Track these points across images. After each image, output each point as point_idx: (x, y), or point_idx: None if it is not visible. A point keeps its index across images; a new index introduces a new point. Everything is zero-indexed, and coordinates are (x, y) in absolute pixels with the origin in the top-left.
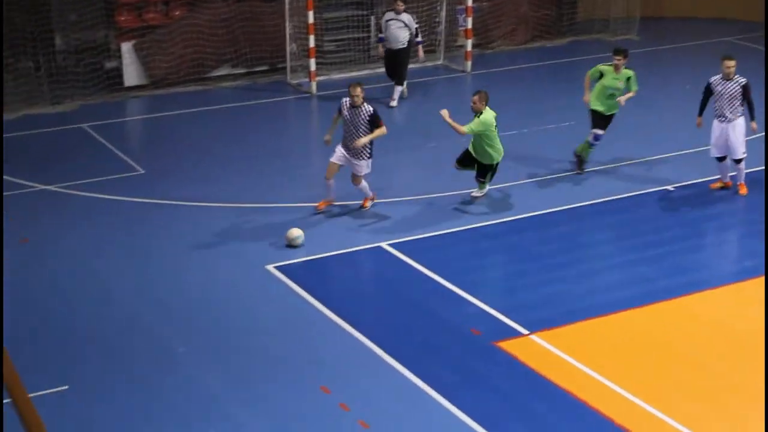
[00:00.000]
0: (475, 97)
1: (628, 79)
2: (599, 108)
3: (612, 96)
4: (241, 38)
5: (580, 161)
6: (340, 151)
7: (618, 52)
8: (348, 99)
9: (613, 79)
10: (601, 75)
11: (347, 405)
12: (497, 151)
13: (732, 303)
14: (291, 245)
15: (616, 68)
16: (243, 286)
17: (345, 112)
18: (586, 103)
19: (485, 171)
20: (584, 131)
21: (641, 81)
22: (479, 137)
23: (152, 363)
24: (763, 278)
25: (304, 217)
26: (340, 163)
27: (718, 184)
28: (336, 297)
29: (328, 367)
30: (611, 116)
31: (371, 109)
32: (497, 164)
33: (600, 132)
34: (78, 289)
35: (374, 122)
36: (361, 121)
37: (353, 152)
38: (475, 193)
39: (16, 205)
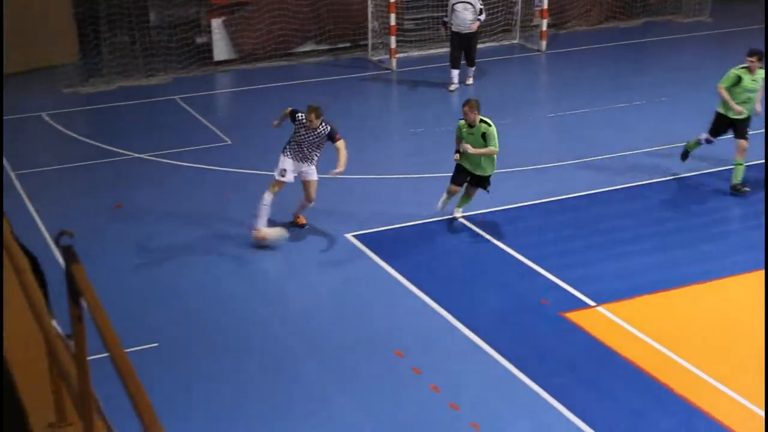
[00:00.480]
0: (466, 108)
1: (764, 79)
2: (729, 114)
3: (748, 100)
4: (324, 16)
5: (738, 189)
6: (290, 169)
7: (753, 53)
8: (304, 118)
9: (751, 81)
10: (739, 79)
11: (419, 369)
12: (494, 162)
13: None
14: (264, 244)
15: (751, 70)
16: (323, 254)
17: (302, 132)
18: (740, 113)
19: (484, 184)
20: (655, 109)
21: (712, 62)
22: (482, 146)
23: (235, 326)
24: None
25: (380, 189)
26: (291, 181)
27: None
28: (411, 266)
29: (402, 332)
30: (743, 120)
31: (329, 127)
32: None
33: (713, 139)
34: (166, 251)
35: (332, 137)
36: (321, 141)
37: (308, 161)
38: (457, 213)
39: (111, 171)
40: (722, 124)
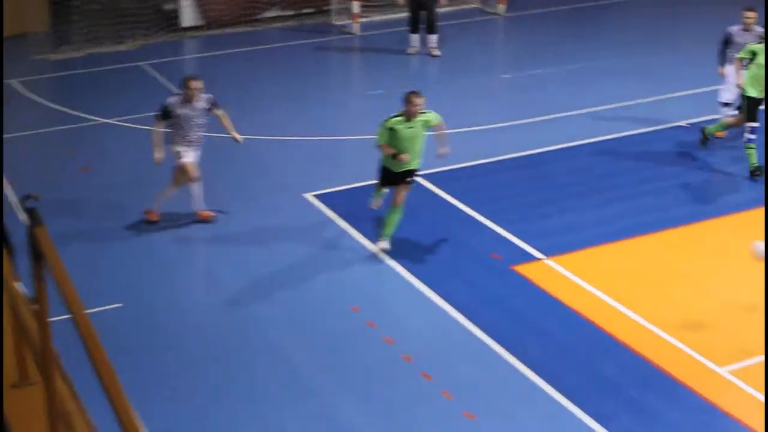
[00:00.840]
0: (421, 99)
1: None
2: (755, 93)
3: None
4: None
5: (705, 139)
6: (188, 150)
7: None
8: (177, 99)
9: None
10: (754, 54)
11: (374, 323)
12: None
13: (732, 231)
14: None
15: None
16: (282, 213)
17: (179, 112)
18: (740, 88)
19: (411, 177)
20: (609, 70)
21: (668, 23)
22: (420, 139)
23: (199, 288)
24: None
25: (340, 149)
26: (190, 160)
27: (723, 133)
28: (367, 223)
29: (357, 288)
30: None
31: (208, 95)
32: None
33: (756, 125)
34: (133, 213)
35: (216, 104)
36: (201, 111)
37: (196, 145)
38: (382, 246)
39: (79, 136)
40: (750, 106)
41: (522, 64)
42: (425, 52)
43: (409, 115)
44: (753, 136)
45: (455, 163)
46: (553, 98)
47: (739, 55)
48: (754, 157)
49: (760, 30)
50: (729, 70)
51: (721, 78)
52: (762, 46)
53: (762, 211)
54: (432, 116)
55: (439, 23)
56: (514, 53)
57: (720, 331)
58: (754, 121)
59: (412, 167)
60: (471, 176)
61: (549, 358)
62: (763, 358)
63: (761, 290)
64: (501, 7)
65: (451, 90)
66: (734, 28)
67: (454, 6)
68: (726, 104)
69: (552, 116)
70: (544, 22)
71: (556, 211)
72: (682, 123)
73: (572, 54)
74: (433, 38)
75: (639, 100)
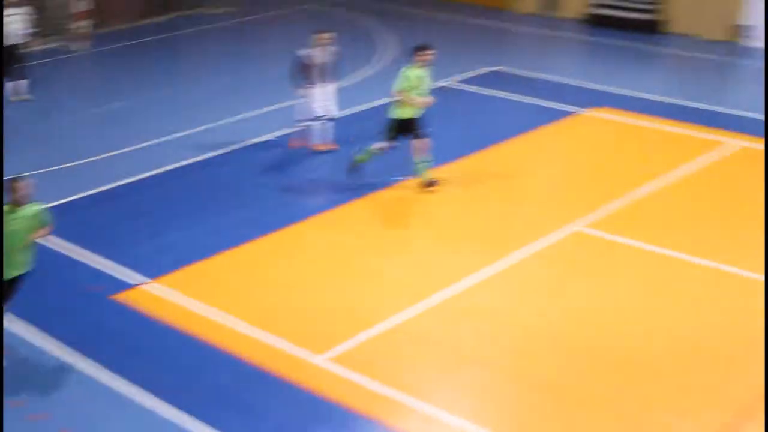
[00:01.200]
0: (27, 183)
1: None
2: (410, 115)
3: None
4: None
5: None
6: None
7: (426, 47)
8: None
9: (427, 78)
10: (417, 79)
11: None
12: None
13: (319, 229)
14: None
15: (425, 64)
16: None
17: None
18: (428, 104)
19: (16, 286)
20: (194, 93)
21: (231, 49)
22: (27, 235)
23: None
24: (344, 206)
25: None
26: None
27: (298, 143)
28: None
29: None
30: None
31: None
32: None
33: (394, 144)
34: None
35: None
36: None
37: None
38: None
39: None
40: (403, 126)
41: (110, 97)
42: (15, 97)
43: (14, 204)
44: (382, 149)
45: (52, 201)
46: (143, 127)
47: (401, 89)
48: (366, 158)
49: (335, 48)
50: (310, 90)
51: (301, 96)
52: (419, 68)
53: (339, 209)
54: (42, 208)
55: (26, 65)
56: (101, 87)
57: (314, 324)
58: (395, 140)
59: (18, 272)
60: (67, 212)
61: (157, 377)
62: (359, 340)
63: (347, 281)
64: (83, 44)
65: (40, 132)
66: (307, 51)
67: (37, 46)
68: (312, 119)
69: (142, 145)
70: (129, 54)
71: (153, 235)
72: (268, 137)
73: (158, 82)
74: (22, 83)
75: (225, 120)
